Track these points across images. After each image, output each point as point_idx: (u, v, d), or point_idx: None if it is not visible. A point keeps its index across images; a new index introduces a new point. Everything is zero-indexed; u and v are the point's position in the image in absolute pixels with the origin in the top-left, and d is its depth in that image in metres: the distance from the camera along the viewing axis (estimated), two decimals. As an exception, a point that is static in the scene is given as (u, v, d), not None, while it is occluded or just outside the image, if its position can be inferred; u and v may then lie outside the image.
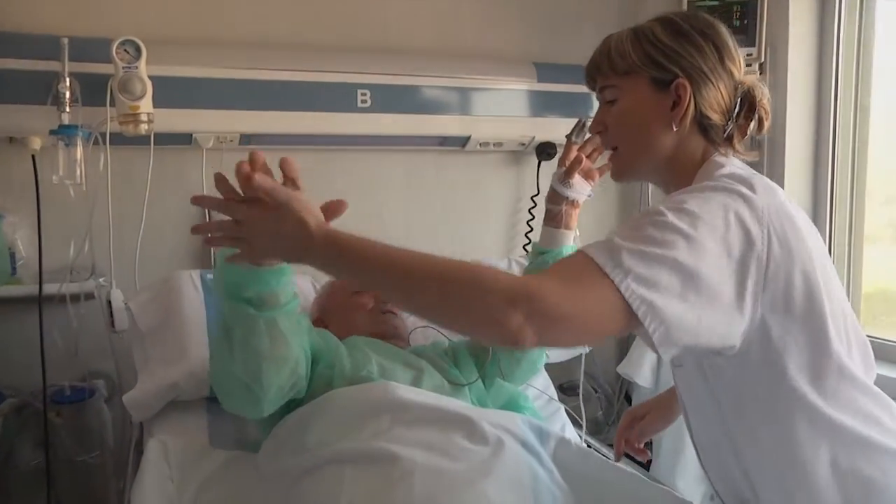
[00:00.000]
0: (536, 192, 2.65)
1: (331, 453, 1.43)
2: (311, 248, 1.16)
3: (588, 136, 1.75)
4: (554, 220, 1.77)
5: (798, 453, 1.16)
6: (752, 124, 1.28)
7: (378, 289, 1.18)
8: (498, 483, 1.34)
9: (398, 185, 2.60)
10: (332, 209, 1.27)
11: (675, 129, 1.24)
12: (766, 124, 1.29)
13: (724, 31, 1.27)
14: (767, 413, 1.17)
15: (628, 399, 2.57)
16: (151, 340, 1.98)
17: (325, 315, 1.94)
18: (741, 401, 1.20)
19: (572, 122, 2.47)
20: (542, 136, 2.60)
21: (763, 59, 2.33)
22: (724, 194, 1.13)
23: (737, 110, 1.26)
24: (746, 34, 2.29)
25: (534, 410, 1.84)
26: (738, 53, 1.27)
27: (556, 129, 2.56)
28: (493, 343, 1.10)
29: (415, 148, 2.59)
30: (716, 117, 1.25)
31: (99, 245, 2.18)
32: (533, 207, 2.65)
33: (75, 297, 2.15)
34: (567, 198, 1.73)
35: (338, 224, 2.36)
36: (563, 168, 1.74)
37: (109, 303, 2.13)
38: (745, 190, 1.13)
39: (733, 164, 1.25)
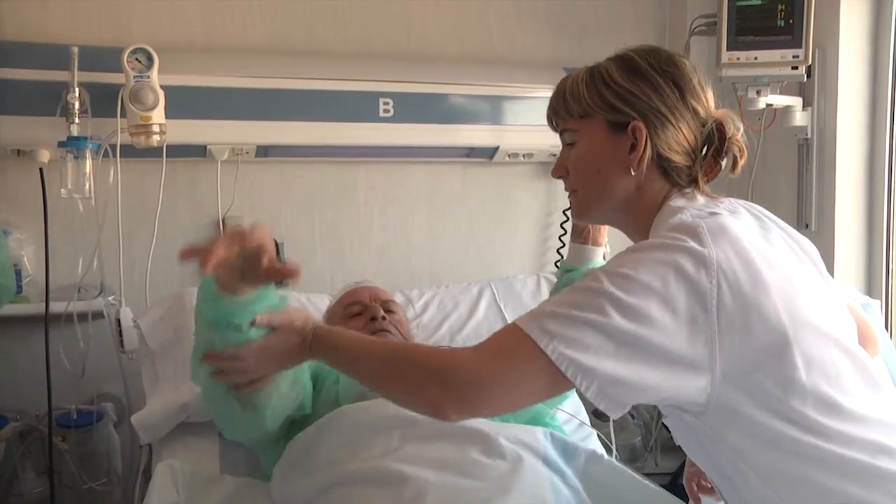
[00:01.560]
0: (569, 206, 2.51)
1: (341, 474, 1.41)
2: (303, 355, 1.27)
3: None
4: (581, 235, 1.72)
5: (797, 490, 1.09)
6: (725, 162, 1.23)
7: (352, 376, 1.26)
8: (517, 501, 1.30)
9: (422, 198, 2.50)
10: (285, 273, 1.28)
11: (632, 173, 1.20)
12: (741, 161, 1.23)
13: (686, 66, 1.22)
14: (757, 459, 1.10)
15: (665, 426, 2.42)
16: (161, 359, 1.91)
17: None
18: (729, 451, 1.12)
19: None
20: (573, 147, 2.47)
21: (810, 63, 2.19)
22: (663, 252, 1.07)
23: (704, 150, 1.21)
24: (792, 35, 2.15)
25: (560, 429, 1.74)
26: (705, 88, 1.22)
27: (589, 138, 2.45)
28: (423, 414, 1.14)
29: (440, 160, 2.48)
30: (678, 158, 1.19)
31: (108, 262, 2.10)
32: (565, 222, 2.52)
33: (83, 316, 2.07)
34: None
35: (364, 237, 2.30)
36: None
37: (118, 321, 2.05)
38: (690, 243, 1.07)
39: (692, 206, 1.17)
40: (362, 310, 1.83)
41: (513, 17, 2.53)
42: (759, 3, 2.20)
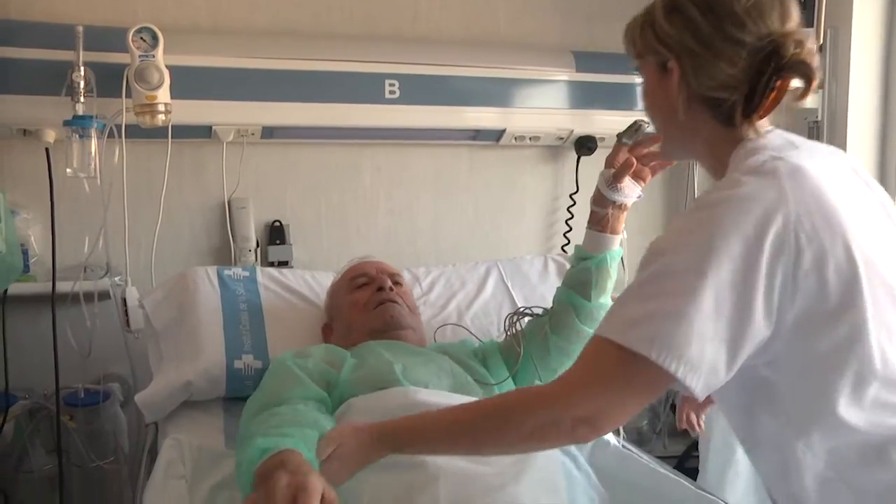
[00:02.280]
0: (576, 190, 2.51)
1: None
2: (374, 455, 1.22)
3: (641, 138, 1.62)
4: (599, 223, 1.65)
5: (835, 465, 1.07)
6: (794, 87, 1.11)
7: (446, 452, 1.24)
8: (530, 486, 1.28)
9: (428, 180, 2.49)
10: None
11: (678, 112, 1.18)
12: (813, 85, 1.11)
13: None
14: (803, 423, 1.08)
15: (673, 408, 2.41)
16: (165, 339, 1.91)
17: (332, 316, 1.89)
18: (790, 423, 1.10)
19: (614, 114, 2.40)
20: (581, 130, 2.46)
21: (822, 43, 2.16)
22: (735, 207, 1.03)
23: (752, 79, 1.11)
24: (804, 14, 2.12)
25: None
26: (756, 14, 1.11)
27: (597, 121, 2.45)
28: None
29: (446, 142, 2.47)
30: (722, 94, 1.13)
31: (114, 242, 2.10)
32: (572, 206, 2.51)
33: (89, 296, 2.07)
34: (614, 202, 1.62)
35: (370, 220, 2.30)
36: (612, 170, 1.60)
37: (124, 301, 2.05)
38: (764, 191, 1.03)
39: (768, 145, 1.11)
40: (368, 281, 1.83)
41: (519, 0, 2.51)
42: (769, -18, 2.18)
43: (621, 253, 1.69)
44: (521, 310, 1.73)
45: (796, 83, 1.11)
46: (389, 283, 1.82)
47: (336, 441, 1.21)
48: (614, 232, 1.64)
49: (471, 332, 1.91)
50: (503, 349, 1.76)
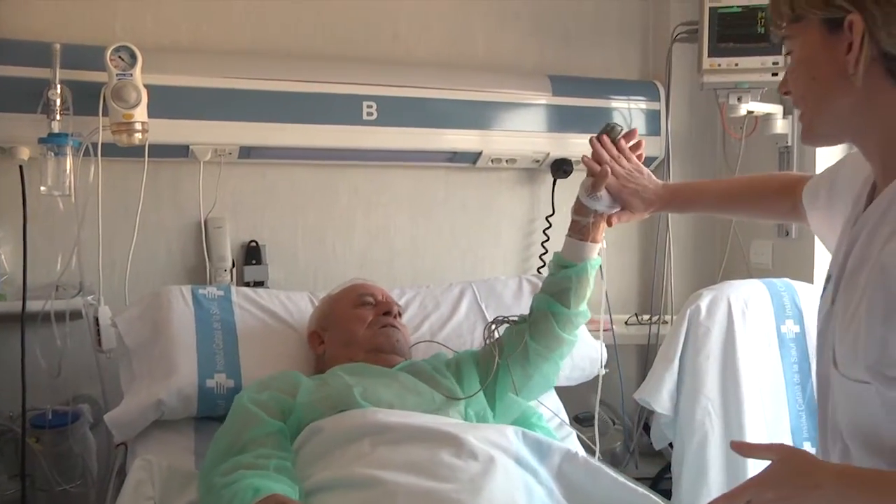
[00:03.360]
0: (552, 212, 2.53)
1: (314, 484, 1.38)
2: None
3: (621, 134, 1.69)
4: (580, 232, 1.70)
5: None
6: None
7: None
8: (489, 502, 1.29)
9: (406, 201, 2.49)
10: None
11: (851, 79, 1.03)
12: None
13: None
14: None
15: (647, 429, 2.42)
16: (138, 358, 1.88)
17: (326, 326, 1.87)
18: None
19: (590, 136, 2.42)
20: (557, 153, 2.48)
21: (792, 69, 2.20)
22: None
23: None
24: (772, 42, 2.17)
25: (547, 430, 1.74)
26: None
27: (573, 145, 2.48)
28: None
29: (423, 164, 2.49)
30: None
31: (87, 261, 2.08)
32: (548, 228, 2.52)
33: (61, 316, 2.04)
34: (595, 211, 1.66)
35: (347, 241, 2.31)
36: (591, 179, 1.65)
37: (97, 320, 2.03)
38: None
39: None
40: (376, 302, 1.85)
41: (497, 24, 2.54)
42: (740, 10, 2.23)
43: (600, 262, 1.73)
44: (500, 318, 1.77)
45: None
46: (396, 310, 1.87)
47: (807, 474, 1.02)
48: (594, 241, 1.69)
49: (444, 346, 1.93)
50: (479, 358, 1.79)
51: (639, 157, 1.71)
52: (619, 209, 1.67)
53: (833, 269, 1.17)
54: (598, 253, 1.71)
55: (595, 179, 1.63)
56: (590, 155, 1.69)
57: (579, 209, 1.68)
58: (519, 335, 1.74)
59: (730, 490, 1.07)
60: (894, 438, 1.04)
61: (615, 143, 1.70)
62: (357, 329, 1.80)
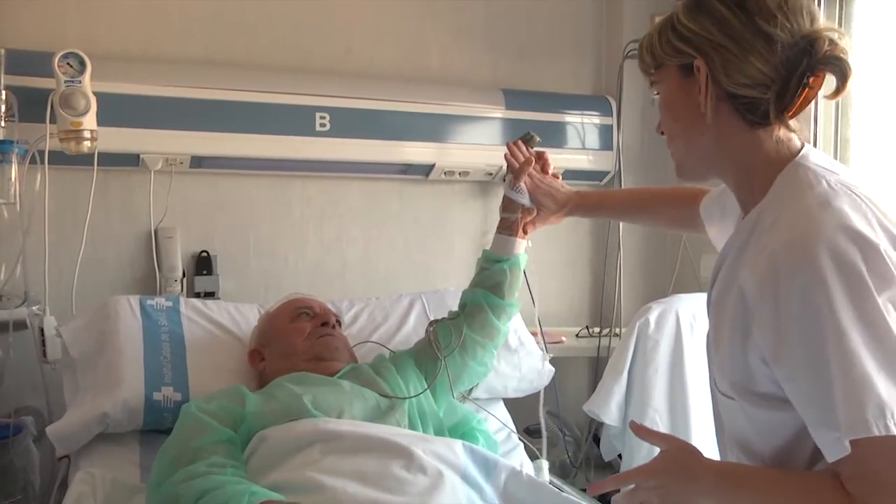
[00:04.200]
0: (504, 225, 2.54)
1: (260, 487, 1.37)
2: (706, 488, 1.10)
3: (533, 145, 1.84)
4: (509, 228, 1.82)
5: None
6: (825, 84, 1.10)
7: None
8: None
9: (359, 213, 2.49)
10: None
11: (703, 118, 1.12)
12: (849, 80, 1.08)
13: None
14: None
15: (596, 440, 2.44)
16: (83, 369, 1.85)
17: (266, 343, 1.86)
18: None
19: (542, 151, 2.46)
20: (510, 166, 2.50)
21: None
22: (852, 277, 0.97)
23: (784, 77, 1.08)
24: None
25: (487, 434, 1.77)
26: (791, 9, 1.09)
27: (525, 158, 2.49)
28: None
29: (376, 176, 2.49)
30: (751, 92, 1.09)
31: (33, 270, 2.05)
32: (501, 240, 2.54)
33: (4, 325, 2.01)
34: (522, 204, 1.77)
35: (299, 252, 2.31)
36: (511, 174, 1.78)
37: (42, 330, 1.99)
38: (864, 238, 0.99)
39: (818, 174, 1.08)
40: (313, 315, 1.86)
41: (451, 38, 2.56)
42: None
43: (527, 257, 1.84)
44: (436, 320, 1.87)
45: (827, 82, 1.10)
46: (334, 320, 1.88)
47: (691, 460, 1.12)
48: (522, 236, 1.81)
49: (383, 346, 1.97)
50: (416, 356, 1.82)
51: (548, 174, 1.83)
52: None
53: (708, 290, 1.24)
54: (525, 248, 1.83)
55: (515, 173, 1.77)
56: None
57: (507, 205, 1.80)
58: (457, 329, 1.81)
59: (620, 473, 1.24)
60: (764, 450, 1.12)
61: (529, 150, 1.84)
62: (296, 341, 1.80)
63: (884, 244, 1.00)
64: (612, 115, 2.61)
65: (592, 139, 2.59)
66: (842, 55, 1.08)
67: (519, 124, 2.48)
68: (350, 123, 2.30)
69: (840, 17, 2.34)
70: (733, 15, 1.09)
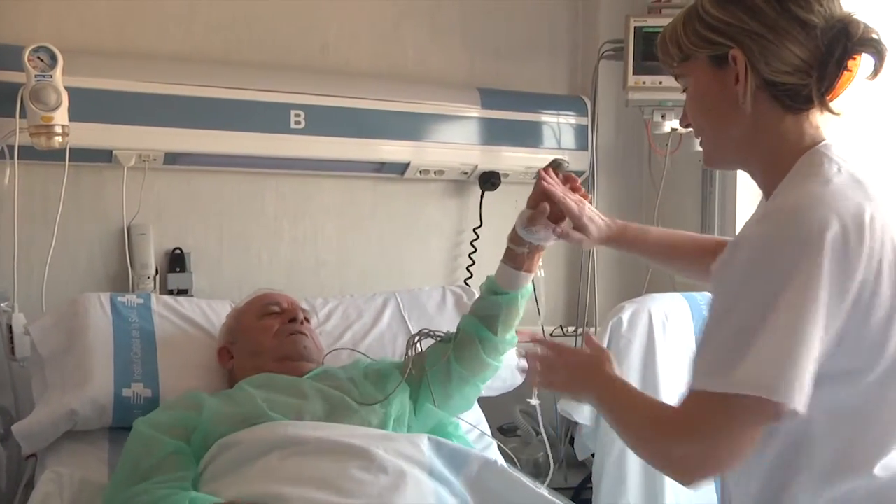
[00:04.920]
0: (479, 224, 2.55)
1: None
2: (593, 386, 1.28)
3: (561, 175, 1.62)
4: (514, 260, 1.67)
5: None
6: (861, 67, 1.13)
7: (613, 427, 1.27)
8: None
9: (333, 211, 2.48)
10: None
11: (742, 106, 1.13)
12: (883, 64, 1.11)
13: None
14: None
15: (572, 441, 2.45)
16: (52, 367, 1.83)
17: (234, 340, 1.85)
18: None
19: (518, 151, 2.48)
20: (485, 165, 2.50)
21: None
22: (800, 248, 1.01)
23: (822, 62, 1.10)
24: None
25: (463, 438, 1.76)
26: None
27: (501, 158, 2.50)
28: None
29: (351, 174, 2.48)
30: (790, 79, 1.11)
31: (2, 267, 2.03)
32: (475, 240, 2.54)
33: (-29, 323, 1.98)
34: (530, 242, 1.63)
35: (273, 250, 2.29)
36: (530, 211, 1.59)
37: (10, 328, 1.97)
38: (836, 225, 1.01)
39: (832, 160, 1.11)
40: (280, 311, 1.84)
41: (427, 36, 2.55)
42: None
43: (531, 290, 1.72)
44: (424, 331, 1.75)
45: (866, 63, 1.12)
46: (302, 316, 1.85)
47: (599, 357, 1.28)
48: (528, 271, 1.67)
49: (362, 353, 1.94)
50: (403, 370, 1.75)
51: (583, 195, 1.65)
52: (553, 242, 1.63)
53: None
54: (531, 282, 1.70)
55: (534, 213, 1.58)
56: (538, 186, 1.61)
57: (515, 239, 1.64)
58: (443, 354, 1.72)
59: (550, 349, 1.35)
60: None
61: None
62: (263, 339, 1.78)
63: (868, 239, 1.02)
64: (587, 116, 2.61)
65: (568, 139, 2.59)
66: (876, 36, 1.10)
67: (494, 124, 2.49)
68: (325, 121, 2.29)
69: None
70: (766, 3, 1.11)
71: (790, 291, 1.00)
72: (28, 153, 1.99)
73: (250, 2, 2.34)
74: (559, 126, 2.59)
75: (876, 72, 1.12)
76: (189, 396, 1.65)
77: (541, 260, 1.70)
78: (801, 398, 0.98)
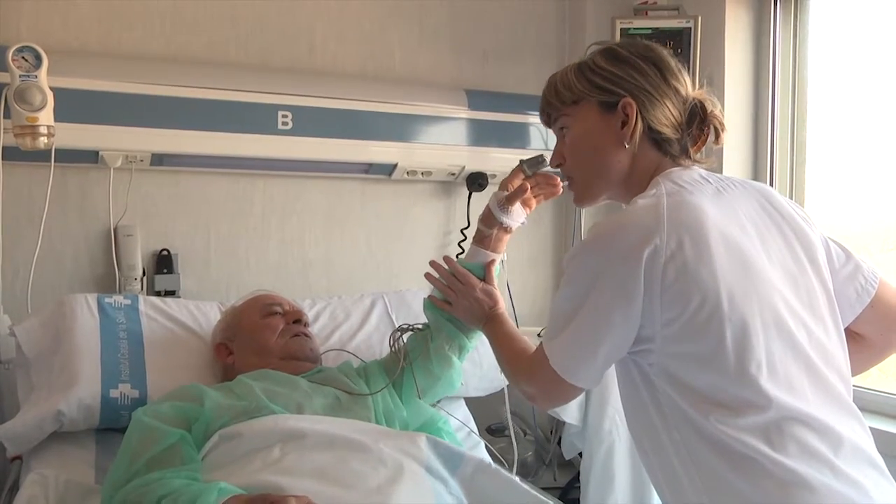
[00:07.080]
0: (467, 225, 2.55)
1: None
2: (485, 323, 1.62)
3: (543, 170, 1.70)
4: (483, 241, 1.71)
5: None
6: (709, 135, 1.36)
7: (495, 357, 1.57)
8: None
9: (321, 212, 2.48)
10: None
11: (626, 146, 1.31)
12: (723, 135, 1.36)
13: (663, 52, 1.35)
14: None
15: (559, 441, 2.46)
16: (38, 368, 1.83)
17: (233, 337, 1.86)
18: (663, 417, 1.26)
19: (505, 152, 2.48)
20: (473, 166, 2.51)
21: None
22: (602, 253, 1.22)
23: (686, 124, 1.33)
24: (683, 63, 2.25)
25: (452, 435, 1.78)
26: (683, 72, 1.35)
27: (489, 159, 2.51)
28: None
29: (339, 175, 2.48)
30: (667, 131, 1.31)
31: (-14, 268, 2.01)
32: (463, 241, 2.55)
33: (-45, 325, 1.96)
34: (501, 223, 1.67)
35: (260, 251, 2.28)
36: (505, 193, 1.67)
37: (-6, 329, 1.95)
38: (642, 222, 1.19)
39: (667, 180, 1.28)
40: (283, 312, 1.86)
41: (415, 38, 2.56)
42: (650, 31, 2.30)
43: (499, 271, 1.74)
44: (404, 326, 1.82)
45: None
46: (305, 318, 1.88)
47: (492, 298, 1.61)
48: (496, 251, 1.71)
49: (353, 354, 1.96)
50: (386, 365, 1.82)
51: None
52: (524, 223, 1.70)
53: None
54: (499, 262, 1.73)
55: (513, 192, 1.65)
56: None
57: (487, 219, 1.69)
58: (423, 340, 1.78)
59: (462, 282, 1.65)
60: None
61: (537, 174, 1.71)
62: (268, 338, 1.80)
63: (665, 248, 1.17)
64: (574, 117, 2.62)
65: (554, 140, 2.60)
66: (720, 116, 1.36)
67: (481, 125, 2.50)
68: (312, 122, 2.29)
69: (795, 24, 2.40)
70: (650, 69, 1.32)
71: (597, 292, 1.20)
72: (13, 154, 1.97)
73: (237, 2, 2.34)
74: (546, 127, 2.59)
75: (717, 139, 1.36)
76: (190, 388, 1.65)
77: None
78: (587, 379, 1.25)
